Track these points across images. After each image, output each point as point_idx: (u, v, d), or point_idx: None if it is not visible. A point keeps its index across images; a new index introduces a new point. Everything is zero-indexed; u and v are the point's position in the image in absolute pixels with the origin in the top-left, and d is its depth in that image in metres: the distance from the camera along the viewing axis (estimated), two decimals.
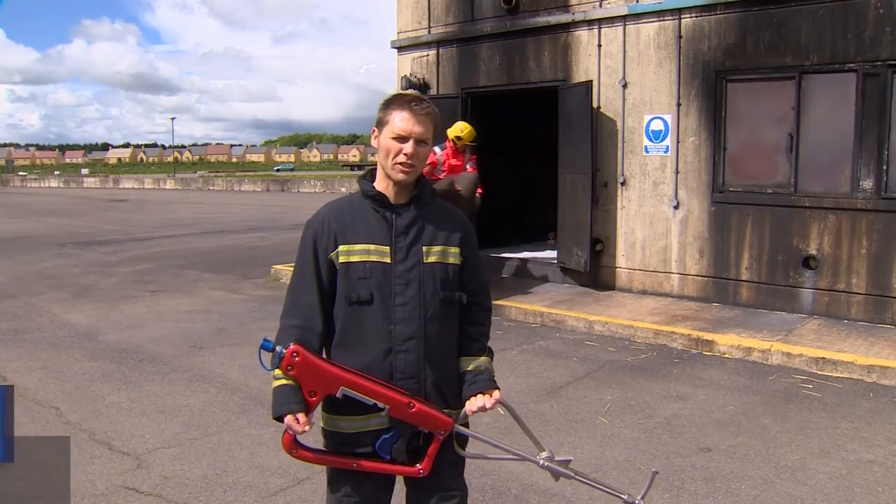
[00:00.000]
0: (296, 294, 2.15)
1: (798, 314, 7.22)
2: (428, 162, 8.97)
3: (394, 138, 2.07)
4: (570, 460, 2.17)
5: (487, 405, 2.13)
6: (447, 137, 8.37)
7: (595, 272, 8.60)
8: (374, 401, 2.01)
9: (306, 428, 2.02)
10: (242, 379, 5.66)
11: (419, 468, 2.10)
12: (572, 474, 2.17)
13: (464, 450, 2.20)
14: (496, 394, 2.16)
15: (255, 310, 8.31)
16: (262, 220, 21.01)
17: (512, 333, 7.13)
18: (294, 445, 2.06)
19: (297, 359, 2.00)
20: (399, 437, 2.08)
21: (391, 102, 2.12)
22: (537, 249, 10.37)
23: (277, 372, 2.04)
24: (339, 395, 2.01)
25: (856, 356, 5.79)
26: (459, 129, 8.38)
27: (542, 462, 2.13)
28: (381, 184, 2.15)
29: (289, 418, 2.01)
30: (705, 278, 7.88)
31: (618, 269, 8.55)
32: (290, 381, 2.03)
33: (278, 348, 2.02)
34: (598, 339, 6.88)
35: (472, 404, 2.14)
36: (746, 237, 7.57)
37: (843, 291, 7.04)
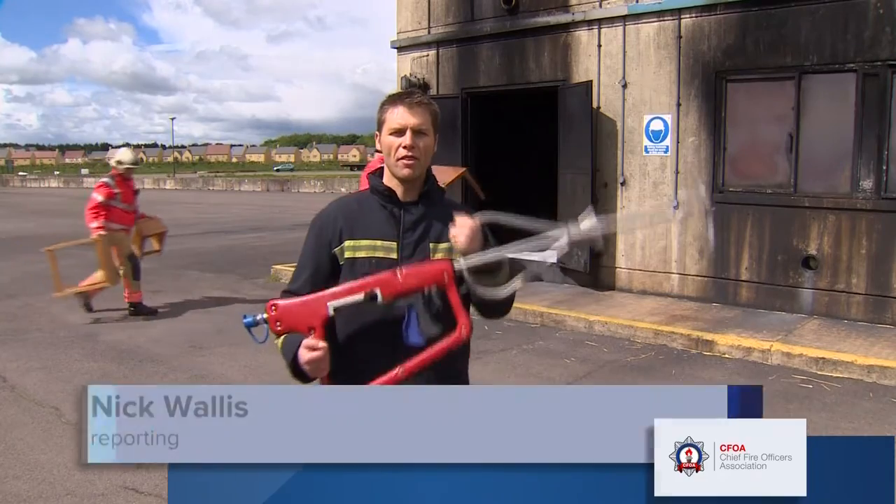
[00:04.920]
0: (292, 286, 2.15)
1: (798, 314, 7.22)
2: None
3: (391, 133, 2.05)
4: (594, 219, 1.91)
5: (468, 226, 1.95)
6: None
7: (595, 272, 8.61)
8: (364, 294, 1.93)
9: (321, 343, 1.95)
10: (242, 379, 5.66)
11: (462, 328, 1.97)
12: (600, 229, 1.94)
13: (482, 279, 1.98)
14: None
15: (255, 310, 8.29)
16: (262, 221, 21.02)
17: (512, 333, 7.13)
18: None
19: (274, 312, 1.97)
20: (415, 314, 2.00)
21: (386, 101, 2.11)
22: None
23: (276, 339, 2.02)
24: (331, 312, 1.95)
25: (856, 356, 5.79)
26: None
27: (566, 236, 1.94)
28: (388, 183, 2.12)
29: (302, 348, 1.95)
30: (705, 278, 7.88)
31: (617, 269, 8.56)
32: (286, 336, 2.00)
33: (259, 316, 1.99)
34: (597, 339, 6.88)
35: (456, 233, 1.96)
36: (746, 237, 7.58)
37: (843, 291, 7.04)
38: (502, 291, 1.97)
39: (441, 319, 2.02)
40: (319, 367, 1.96)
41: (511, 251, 1.95)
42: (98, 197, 7.68)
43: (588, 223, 1.92)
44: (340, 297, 1.96)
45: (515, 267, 2.01)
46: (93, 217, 7.63)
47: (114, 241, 7.77)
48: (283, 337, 2.02)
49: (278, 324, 1.98)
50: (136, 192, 8.17)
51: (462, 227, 1.95)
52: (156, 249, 8.52)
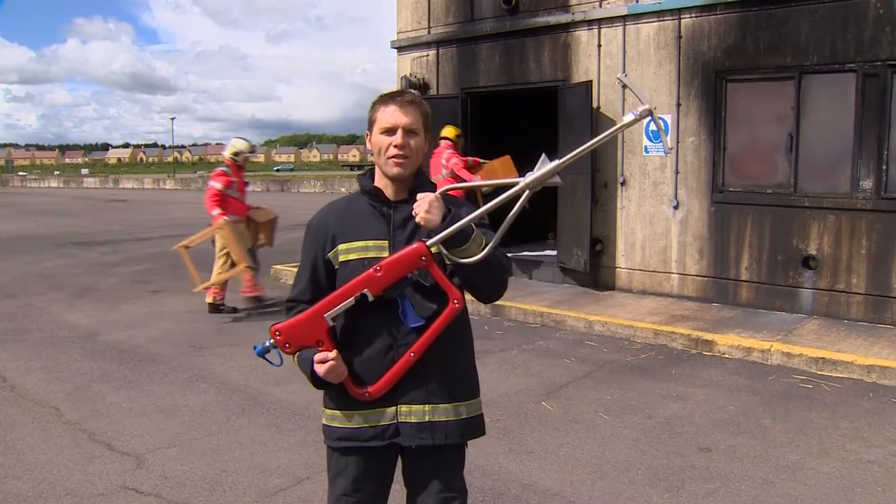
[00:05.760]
0: (292, 293, 2.22)
1: (798, 314, 7.22)
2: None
3: (382, 133, 2.08)
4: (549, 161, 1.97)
5: (426, 198, 1.98)
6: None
7: (595, 272, 8.61)
8: (355, 297, 2.00)
9: (330, 354, 2.03)
10: (242, 379, 5.66)
11: (453, 300, 2.03)
12: (565, 158, 1.98)
13: (455, 250, 2.00)
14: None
15: (255, 309, 8.31)
16: None
17: (512, 333, 7.14)
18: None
19: (279, 336, 2.05)
20: (407, 300, 2.05)
21: (376, 102, 2.14)
22: (537, 249, 10.37)
23: (291, 359, 2.11)
24: (330, 322, 2.03)
25: (856, 356, 5.79)
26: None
27: (524, 183, 1.99)
28: (379, 183, 2.15)
29: (315, 364, 2.03)
30: (705, 278, 7.88)
31: (617, 270, 8.55)
32: (298, 353, 2.09)
33: (267, 343, 2.07)
34: (597, 339, 6.88)
35: (416, 208, 1.99)
36: (746, 237, 7.57)
37: (843, 291, 7.04)
38: (479, 255, 2.00)
39: (434, 297, 2.06)
40: (337, 374, 2.05)
41: (477, 214, 2.00)
42: (217, 185, 7.73)
43: (542, 168, 1.98)
44: (333, 305, 2.03)
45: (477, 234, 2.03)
46: (214, 204, 7.65)
47: (237, 231, 7.76)
48: (295, 358, 2.10)
49: (287, 345, 2.07)
50: (247, 183, 8.21)
51: (421, 202, 1.98)
52: (264, 243, 8.34)
